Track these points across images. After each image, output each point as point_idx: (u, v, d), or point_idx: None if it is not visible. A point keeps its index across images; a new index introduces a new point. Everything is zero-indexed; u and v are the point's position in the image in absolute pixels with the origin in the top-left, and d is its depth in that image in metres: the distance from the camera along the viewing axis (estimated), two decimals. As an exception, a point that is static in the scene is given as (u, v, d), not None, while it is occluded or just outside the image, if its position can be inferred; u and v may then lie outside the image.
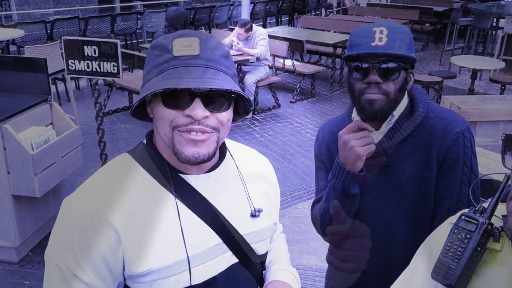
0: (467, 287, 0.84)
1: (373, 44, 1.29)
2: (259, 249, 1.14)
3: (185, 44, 0.94)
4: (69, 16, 8.33)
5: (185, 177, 1.03)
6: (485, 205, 0.87)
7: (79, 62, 3.17)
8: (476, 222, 0.83)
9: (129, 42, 8.66)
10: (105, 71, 3.16)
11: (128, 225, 0.96)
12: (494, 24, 8.84)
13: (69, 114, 3.45)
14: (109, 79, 5.20)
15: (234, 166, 1.13)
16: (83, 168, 4.43)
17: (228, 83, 0.94)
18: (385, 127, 1.38)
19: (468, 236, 0.83)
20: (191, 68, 0.92)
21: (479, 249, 0.82)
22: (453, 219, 0.90)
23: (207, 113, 0.94)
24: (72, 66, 3.19)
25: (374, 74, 1.29)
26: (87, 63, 3.17)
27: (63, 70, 5.01)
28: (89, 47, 3.12)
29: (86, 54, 3.15)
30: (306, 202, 3.96)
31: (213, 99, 0.94)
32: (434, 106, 1.42)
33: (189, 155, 0.94)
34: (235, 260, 1.08)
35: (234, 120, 1.07)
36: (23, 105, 3.12)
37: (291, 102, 6.74)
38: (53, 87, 6.21)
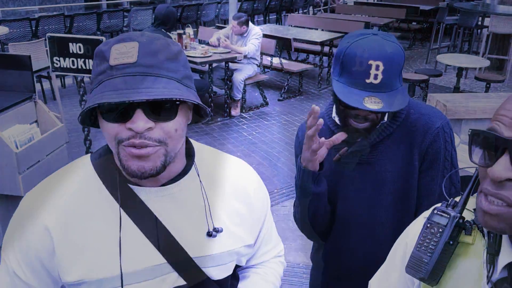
0: (441, 280, 0.85)
1: (367, 81, 1.23)
2: (214, 274, 1.03)
3: (122, 51, 0.87)
4: (54, 13, 8.24)
5: (136, 188, 0.97)
6: (457, 199, 0.88)
7: (64, 60, 3.14)
8: (448, 216, 0.84)
9: (115, 39, 8.59)
10: (91, 68, 3.12)
11: (65, 232, 0.93)
12: (480, 22, 8.93)
13: (55, 112, 3.42)
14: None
15: (198, 179, 1.02)
16: (69, 167, 4.39)
17: (169, 90, 0.86)
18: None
19: (440, 230, 0.84)
20: (128, 77, 0.85)
21: (451, 242, 0.83)
22: (427, 213, 0.91)
23: (151, 124, 0.86)
24: (57, 64, 3.15)
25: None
26: (72, 61, 3.14)
27: (48, 67, 4.97)
28: (74, 44, 3.09)
29: (71, 52, 3.12)
30: (293, 200, 3.95)
31: (157, 109, 0.87)
32: (414, 102, 1.43)
33: (135, 169, 0.88)
34: (182, 282, 0.99)
35: (196, 122, 1.03)
36: (7, 103, 3.08)
37: (279, 100, 6.75)
38: (38, 85, 6.14)
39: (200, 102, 0.92)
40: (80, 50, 3.10)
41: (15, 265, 0.95)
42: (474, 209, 0.87)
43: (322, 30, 8.48)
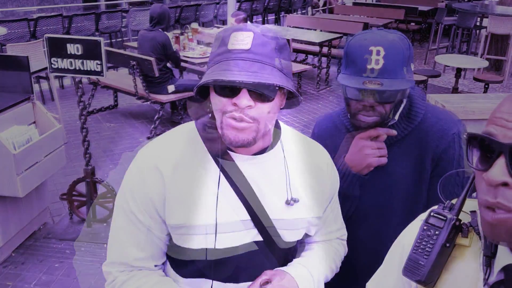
0: (437, 282, 0.84)
1: (369, 67, 1.25)
2: (286, 236, 1.20)
3: (239, 38, 1.04)
4: (52, 14, 8.22)
5: (233, 155, 1.14)
6: (454, 201, 0.88)
7: (62, 60, 3.12)
8: (444, 219, 0.84)
9: (114, 40, 8.58)
10: (89, 69, 3.12)
11: (174, 178, 1.11)
12: (478, 23, 8.95)
13: (53, 113, 3.41)
14: (93, 77, 5.15)
15: (282, 154, 1.20)
16: (67, 168, 4.38)
17: (273, 77, 1.02)
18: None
19: (436, 232, 0.83)
20: (240, 62, 1.02)
21: (447, 245, 0.83)
22: (423, 216, 0.91)
23: (251, 103, 1.03)
24: (54, 64, 3.14)
25: (370, 98, 1.27)
26: (70, 61, 3.12)
27: (46, 68, 4.95)
28: (72, 45, 3.08)
29: (69, 52, 3.10)
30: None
31: (259, 91, 1.03)
32: (432, 107, 1.42)
33: (231, 138, 1.06)
34: (259, 238, 1.17)
35: (288, 107, 1.19)
36: (5, 104, 3.06)
37: (277, 100, 6.74)
38: (36, 86, 6.14)
39: (295, 91, 1.09)
40: (78, 51, 3.08)
41: (134, 208, 1.13)
42: (471, 211, 0.87)
43: (321, 30, 8.48)
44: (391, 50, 1.25)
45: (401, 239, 1.00)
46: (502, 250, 0.78)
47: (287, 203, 1.18)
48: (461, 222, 0.85)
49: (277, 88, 1.06)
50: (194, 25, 6.34)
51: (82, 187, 3.60)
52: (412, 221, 1.00)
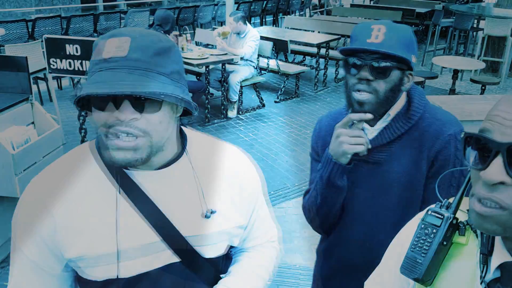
0: (435, 281, 0.86)
1: (368, 40, 1.28)
2: (205, 252, 1.10)
3: (116, 45, 0.93)
4: (51, 14, 8.23)
5: (131, 173, 1.04)
6: (451, 200, 0.89)
7: (61, 61, 3.14)
8: (442, 217, 0.85)
9: (112, 41, 8.57)
10: (87, 70, 3.12)
11: (66, 214, 1.01)
12: (475, 25, 8.97)
13: (51, 114, 3.41)
14: (92, 78, 5.14)
15: (189, 166, 1.09)
16: (66, 168, 4.38)
17: (156, 85, 0.92)
18: (380, 124, 1.40)
19: (434, 230, 0.85)
20: (116, 71, 0.91)
21: (445, 243, 0.84)
22: (421, 214, 0.92)
23: (136, 115, 0.93)
24: (53, 65, 3.15)
25: (366, 71, 1.29)
26: (69, 62, 3.14)
27: (45, 69, 4.95)
28: (71, 45, 3.09)
29: (68, 53, 3.12)
30: (290, 201, 3.96)
31: (143, 101, 0.93)
32: (432, 107, 1.42)
33: (119, 160, 0.95)
34: (175, 259, 1.07)
35: (186, 115, 1.08)
36: (4, 104, 3.07)
37: (275, 102, 6.76)
38: (34, 87, 6.13)
39: (185, 97, 0.98)
40: (77, 52, 3.10)
41: (22, 245, 1.03)
42: (468, 210, 0.87)
43: (319, 32, 8.50)
44: (393, 30, 1.29)
45: (400, 237, 1.01)
46: (498, 247, 0.80)
47: (204, 216, 1.08)
48: (458, 221, 0.86)
49: (162, 95, 0.93)
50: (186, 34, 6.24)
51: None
52: (411, 220, 1.00)
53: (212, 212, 1.09)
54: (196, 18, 9.65)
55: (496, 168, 0.71)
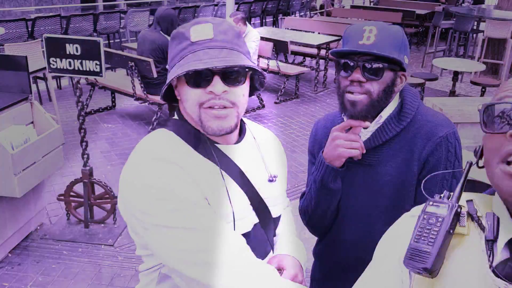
0: (440, 271, 0.83)
1: (360, 42, 1.29)
2: (273, 212, 1.27)
3: (200, 30, 1.08)
4: (50, 14, 8.21)
5: (221, 147, 1.17)
6: (451, 193, 0.89)
7: (61, 60, 3.12)
8: (446, 206, 0.84)
9: (112, 41, 8.57)
10: (88, 69, 3.11)
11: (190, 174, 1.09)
12: (475, 27, 8.98)
13: (51, 114, 3.40)
14: (92, 78, 5.13)
15: (253, 139, 1.27)
16: (65, 168, 4.37)
17: (242, 60, 1.08)
18: (373, 127, 1.40)
19: (440, 219, 0.83)
20: (208, 50, 1.06)
21: (451, 231, 0.83)
22: (411, 213, 0.94)
23: (226, 88, 1.06)
24: (53, 64, 3.14)
25: (358, 72, 1.30)
26: (69, 62, 3.12)
27: (44, 68, 4.94)
28: (71, 45, 3.07)
29: (68, 53, 3.10)
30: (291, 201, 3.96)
31: (230, 76, 1.07)
32: (425, 109, 1.42)
33: (215, 128, 1.08)
34: (257, 220, 1.22)
35: (252, 93, 1.24)
36: (3, 104, 3.06)
37: (275, 102, 6.75)
38: (34, 86, 6.12)
39: (261, 70, 1.15)
40: (77, 51, 3.08)
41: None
42: (467, 201, 0.88)
43: (319, 33, 8.50)
44: (384, 31, 1.30)
45: (392, 233, 0.99)
46: (505, 226, 0.80)
47: (270, 180, 1.26)
48: (461, 210, 0.86)
49: (247, 70, 1.11)
50: None
51: (79, 188, 3.59)
52: (396, 221, 0.99)
53: (275, 177, 1.27)
54: (196, 18, 9.62)
55: None
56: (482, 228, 0.84)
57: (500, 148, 0.78)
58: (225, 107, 1.07)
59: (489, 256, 0.80)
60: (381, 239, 1.02)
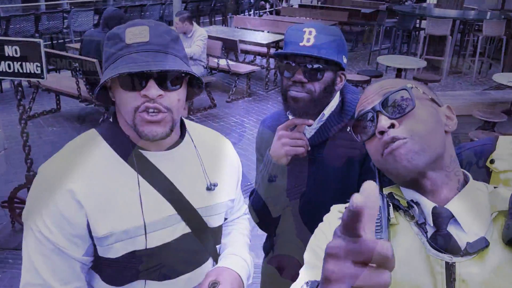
0: None
1: (301, 44, 1.33)
2: (211, 222, 1.25)
3: (136, 33, 1.06)
4: (-12, 14, 7.83)
5: (146, 153, 1.15)
6: None
7: (0, 63, 2.99)
8: (380, 196, 0.90)
9: (55, 42, 8.28)
10: (28, 72, 3.00)
11: (89, 193, 1.07)
12: (417, 25, 9.33)
13: (-10, 118, 3.26)
14: (33, 80, 4.94)
15: (192, 145, 1.24)
16: (8, 175, 4.18)
17: (177, 65, 1.06)
18: (317, 124, 1.44)
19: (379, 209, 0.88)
20: (143, 53, 1.04)
21: (389, 219, 0.89)
22: (338, 207, 1.04)
23: (161, 92, 1.05)
24: (-9, 67, 3.00)
25: (300, 73, 1.33)
26: (9, 64, 2.99)
27: (-18, 71, 4.70)
28: (10, 47, 2.95)
29: (7, 55, 2.97)
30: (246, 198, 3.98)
31: (166, 80, 1.06)
32: None
33: (148, 133, 1.06)
34: (188, 230, 1.19)
35: (190, 98, 1.22)
36: None
37: (227, 101, 6.75)
38: (-28, 90, 5.82)
39: (197, 75, 1.13)
40: (16, 53, 2.96)
41: (43, 228, 1.06)
42: (388, 193, 0.95)
43: (268, 32, 8.57)
44: (323, 32, 1.34)
45: (319, 233, 1.04)
46: (424, 208, 0.88)
47: (208, 189, 1.23)
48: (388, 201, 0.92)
49: (182, 74, 1.10)
50: None
51: (24, 194, 3.45)
52: (326, 214, 1.06)
53: (215, 185, 1.24)
54: (143, 17, 9.47)
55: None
56: (410, 216, 0.89)
57: (377, 145, 0.91)
58: (159, 112, 1.06)
59: (424, 234, 0.87)
60: (312, 236, 1.05)
